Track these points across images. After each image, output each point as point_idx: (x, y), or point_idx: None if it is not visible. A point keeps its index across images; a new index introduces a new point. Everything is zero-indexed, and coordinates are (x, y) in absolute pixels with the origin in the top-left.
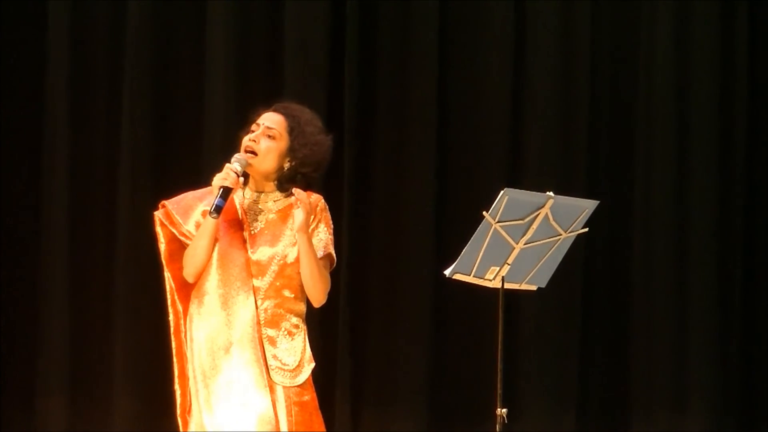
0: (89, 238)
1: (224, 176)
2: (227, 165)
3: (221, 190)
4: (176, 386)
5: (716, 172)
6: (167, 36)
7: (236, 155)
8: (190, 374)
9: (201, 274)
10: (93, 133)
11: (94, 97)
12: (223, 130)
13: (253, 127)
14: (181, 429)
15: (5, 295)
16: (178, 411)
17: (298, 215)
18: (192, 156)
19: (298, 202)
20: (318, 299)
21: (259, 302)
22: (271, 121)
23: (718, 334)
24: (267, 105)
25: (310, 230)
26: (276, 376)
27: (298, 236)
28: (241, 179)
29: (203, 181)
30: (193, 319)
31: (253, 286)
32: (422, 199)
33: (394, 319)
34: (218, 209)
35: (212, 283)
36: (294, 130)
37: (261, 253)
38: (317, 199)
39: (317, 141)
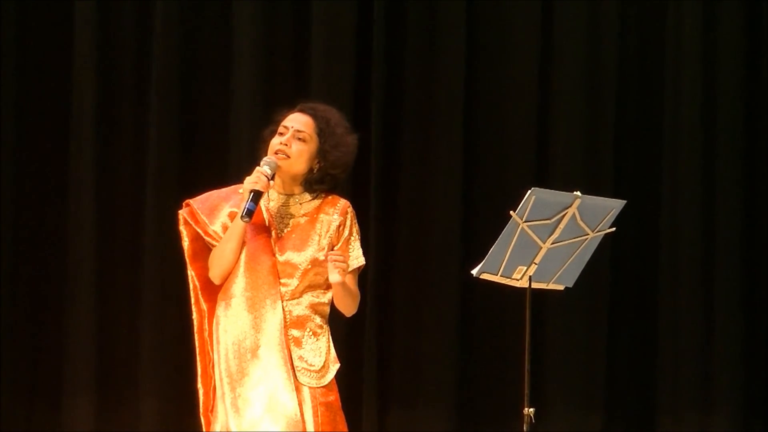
0: (115, 239)
1: (255, 180)
2: (257, 168)
3: (252, 193)
4: (199, 385)
5: (743, 173)
6: (194, 36)
7: (266, 158)
8: (216, 377)
9: (228, 277)
10: (120, 133)
11: (121, 98)
12: (249, 129)
13: (281, 129)
14: (203, 428)
15: (32, 296)
16: (201, 410)
17: (335, 277)
18: (218, 156)
19: (335, 264)
20: (350, 313)
21: (284, 304)
22: (300, 123)
23: (745, 336)
24: (292, 105)
25: (342, 240)
26: (302, 378)
27: (333, 286)
28: (271, 182)
29: (229, 180)
30: (220, 322)
31: (280, 288)
32: (449, 200)
33: (421, 319)
34: (250, 213)
35: (239, 286)
36: (323, 132)
37: (288, 256)
38: (345, 204)
39: (346, 142)
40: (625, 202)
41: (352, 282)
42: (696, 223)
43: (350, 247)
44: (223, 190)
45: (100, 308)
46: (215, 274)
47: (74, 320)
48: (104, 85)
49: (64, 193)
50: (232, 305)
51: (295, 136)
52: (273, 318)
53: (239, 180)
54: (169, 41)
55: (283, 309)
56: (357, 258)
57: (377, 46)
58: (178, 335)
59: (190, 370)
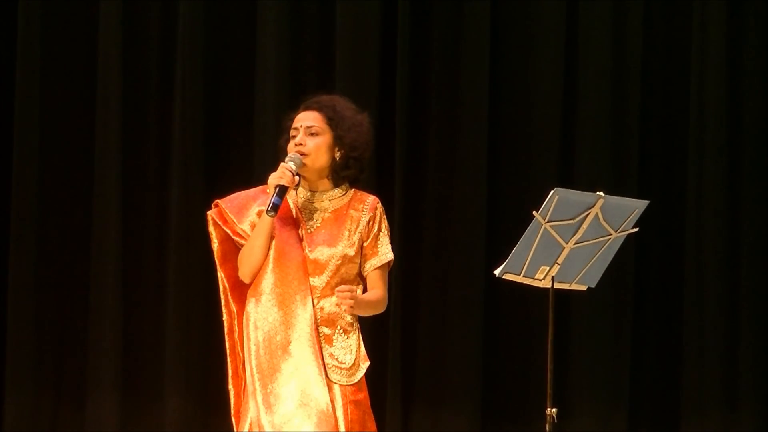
0: (141, 239)
1: (280, 175)
2: (282, 164)
3: (277, 188)
4: (230, 386)
5: None
6: (218, 34)
7: (290, 154)
8: (247, 373)
9: (257, 274)
10: (145, 132)
11: (146, 99)
12: (274, 127)
13: (292, 132)
14: (234, 428)
15: (58, 296)
16: (232, 411)
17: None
18: (243, 156)
19: (342, 299)
20: (379, 312)
21: (315, 301)
22: (308, 119)
23: None
24: (294, 108)
25: (371, 235)
26: (333, 375)
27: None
28: (297, 178)
29: (255, 180)
30: (250, 318)
31: (310, 284)
32: (473, 199)
33: (445, 319)
34: (275, 207)
35: (269, 282)
36: (333, 119)
37: (319, 252)
38: (374, 200)
39: (359, 122)
40: (648, 202)
41: (381, 278)
42: (721, 222)
43: (379, 242)
44: (252, 190)
45: (125, 308)
46: (245, 272)
47: (99, 319)
48: (129, 83)
49: (89, 192)
50: (261, 301)
51: (307, 132)
52: (303, 314)
53: (264, 178)
54: (193, 40)
55: (314, 305)
56: (386, 254)
57: (402, 45)
58: (203, 335)
59: (214, 370)
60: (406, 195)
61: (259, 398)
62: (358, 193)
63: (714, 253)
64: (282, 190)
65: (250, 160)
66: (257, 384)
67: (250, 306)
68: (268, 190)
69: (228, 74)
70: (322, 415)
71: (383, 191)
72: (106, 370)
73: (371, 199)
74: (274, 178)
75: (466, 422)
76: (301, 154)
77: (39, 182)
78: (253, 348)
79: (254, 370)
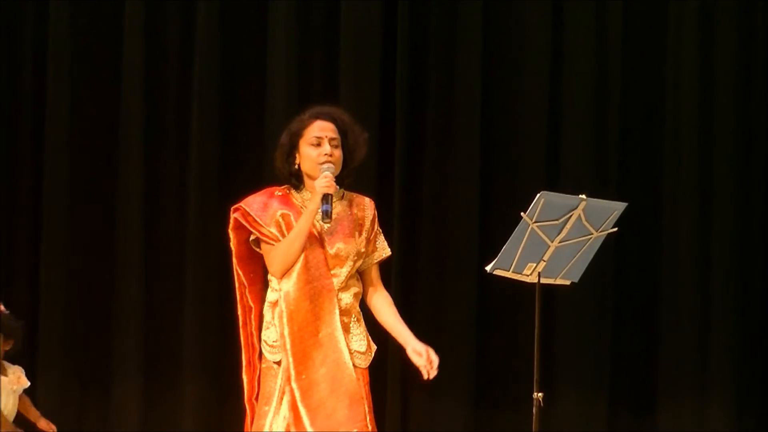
0: (162, 235)
1: (328, 184)
2: (324, 174)
3: (326, 197)
4: (244, 375)
5: (740, 172)
6: (232, 46)
7: (326, 164)
8: (283, 361)
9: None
10: (164, 137)
11: (165, 104)
12: (283, 128)
13: (314, 140)
14: (248, 414)
15: (84, 290)
16: (246, 398)
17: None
18: (255, 154)
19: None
20: None
21: (336, 293)
22: (330, 131)
23: (739, 327)
24: (299, 113)
25: (373, 233)
26: (355, 359)
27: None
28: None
29: (265, 177)
30: (285, 312)
31: (332, 279)
32: (467, 201)
33: (441, 313)
34: (329, 214)
35: (300, 279)
36: (346, 132)
37: (338, 248)
38: (371, 202)
39: (361, 134)
40: (626, 204)
41: (377, 271)
42: (694, 223)
43: (377, 239)
44: (262, 193)
45: (147, 300)
46: (278, 270)
47: (123, 312)
48: (150, 92)
49: (114, 190)
50: (292, 296)
51: (331, 144)
52: (329, 306)
53: (272, 179)
54: (209, 51)
55: (337, 297)
56: (384, 249)
57: (401, 52)
58: (219, 327)
59: (229, 359)
60: (405, 197)
61: (295, 385)
62: (355, 196)
63: (688, 252)
64: (329, 198)
65: (260, 159)
66: (292, 372)
67: (282, 301)
68: (277, 193)
69: (240, 81)
70: (353, 397)
71: (383, 193)
72: (129, 358)
73: (368, 201)
74: (322, 188)
75: (460, 407)
76: (331, 164)
77: (68, 183)
78: (288, 339)
79: (290, 359)
